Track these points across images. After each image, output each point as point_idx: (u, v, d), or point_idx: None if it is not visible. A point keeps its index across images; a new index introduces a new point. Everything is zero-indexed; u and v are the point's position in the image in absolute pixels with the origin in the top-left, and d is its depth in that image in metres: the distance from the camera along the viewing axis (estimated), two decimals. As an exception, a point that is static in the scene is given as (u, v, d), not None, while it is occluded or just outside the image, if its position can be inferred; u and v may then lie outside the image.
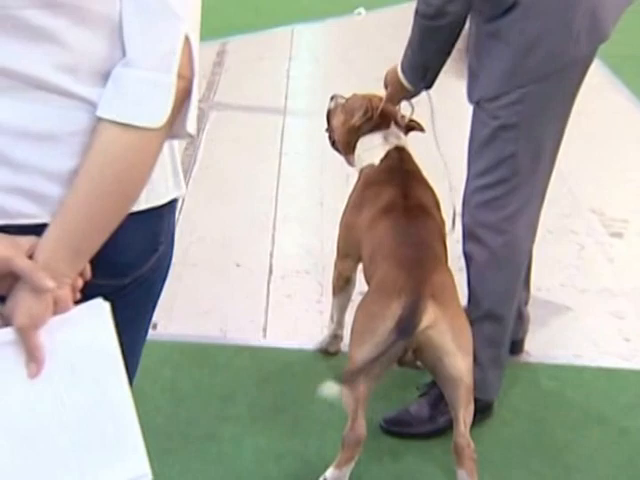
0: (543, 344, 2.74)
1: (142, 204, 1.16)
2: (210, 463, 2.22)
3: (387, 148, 2.49)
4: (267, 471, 2.20)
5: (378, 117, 2.54)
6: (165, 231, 1.23)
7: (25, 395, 1.05)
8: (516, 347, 2.65)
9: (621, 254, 3.29)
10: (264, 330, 2.76)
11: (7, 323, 1.06)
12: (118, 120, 1.06)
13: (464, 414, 2.00)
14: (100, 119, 1.07)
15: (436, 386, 2.23)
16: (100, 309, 1.10)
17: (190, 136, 1.14)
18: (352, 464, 2.04)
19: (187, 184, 3.62)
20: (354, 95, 2.64)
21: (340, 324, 2.58)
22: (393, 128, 2.53)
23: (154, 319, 1.37)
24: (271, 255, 3.17)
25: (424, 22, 2.17)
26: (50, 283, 1.04)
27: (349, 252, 2.47)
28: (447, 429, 2.24)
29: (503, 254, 2.28)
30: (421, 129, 2.59)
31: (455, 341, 1.98)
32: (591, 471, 2.26)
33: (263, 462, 2.23)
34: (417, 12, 2.18)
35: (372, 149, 2.52)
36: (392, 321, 1.95)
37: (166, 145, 1.19)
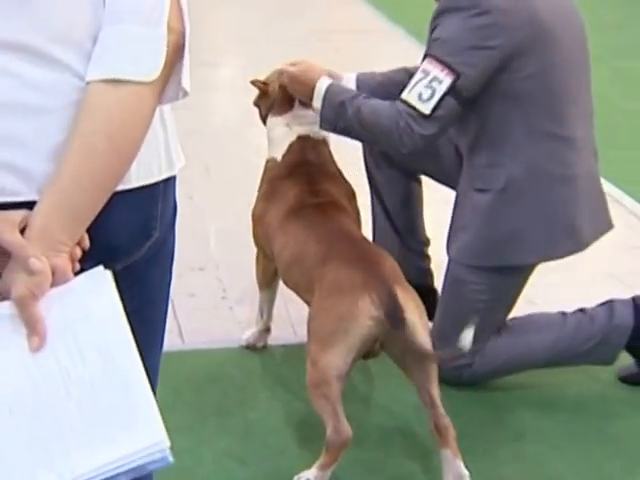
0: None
1: (133, 182, 1.11)
2: (172, 479, 2.15)
3: (290, 140, 2.45)
4: (234, 476, 2.17)
5: (281, 96, 2.46)
6: (159, 217, 1.17)
7: (28, 370, 1.01)
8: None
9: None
10: (180, 334, 2.68)
11: (5, 297, 1.03)
12: (106, 77, 1.03)
13: (437, 392, 2.05)
14: (88, 83, 1.03)
15: None
16: (101, 277, 1.06)
17: (186, 93, 1.10)
18: (335, 465, 2.01)
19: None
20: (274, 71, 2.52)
21: (270, 317, 2.56)
22: (297, 110, 2.46)
23: None
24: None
25: (386, 141, 2.25)
26: (37, 264, 1.00)
27: (265, 247, 2.46)
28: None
29: None
30: None
31: (422, 319, 2.06)
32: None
33: (227, 468, 2.19)
34: (395, 132, 2.21)
35: (275, 139, 2.49)
36: (364, 318, 1.99)
37: (158, 120, 1.15)
